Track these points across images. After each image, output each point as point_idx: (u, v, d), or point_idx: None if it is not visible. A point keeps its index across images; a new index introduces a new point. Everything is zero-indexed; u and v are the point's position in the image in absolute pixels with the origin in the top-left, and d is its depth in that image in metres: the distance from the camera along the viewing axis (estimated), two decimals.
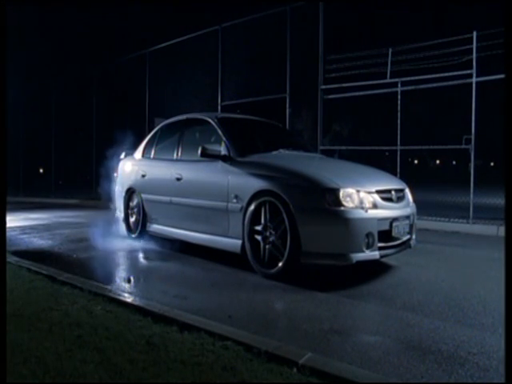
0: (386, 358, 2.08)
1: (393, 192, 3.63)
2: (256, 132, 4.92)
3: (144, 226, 5.09)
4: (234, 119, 4.96)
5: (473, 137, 6.18)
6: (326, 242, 3.24)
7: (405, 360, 2.07)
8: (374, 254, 3.29)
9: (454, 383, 1.88)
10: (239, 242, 3.74)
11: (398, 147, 6.96)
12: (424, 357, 2.10)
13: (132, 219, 5.36)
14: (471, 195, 6.24)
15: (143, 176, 5.15)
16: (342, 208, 3.20)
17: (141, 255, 4.47)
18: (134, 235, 5.22)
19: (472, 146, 6.19)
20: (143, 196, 5.12)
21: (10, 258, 3.88)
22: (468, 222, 6.25)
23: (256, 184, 3.61)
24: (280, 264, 3.39)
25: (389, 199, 3.55)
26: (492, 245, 5.13)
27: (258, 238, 3.58)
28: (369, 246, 3.25)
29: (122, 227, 5.49)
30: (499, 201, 5.52)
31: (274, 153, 4.21)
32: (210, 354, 2.03)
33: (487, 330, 2.45)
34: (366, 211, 3.27)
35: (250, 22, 8.58)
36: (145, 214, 5.09)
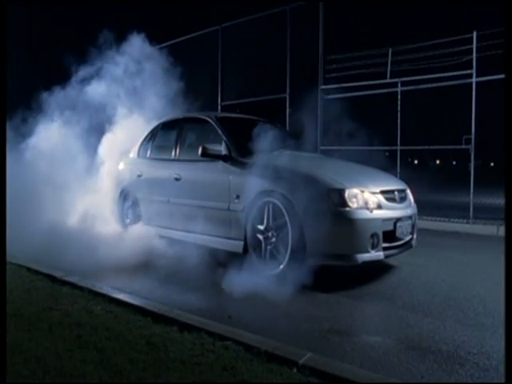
0: (386, 358, 2.08)
1: (396, 192, 3.64)
2: (256, 132, 4.90)
3: None
4: (233, 119, 4.95)
5: (473, 137, 6.18)
6: (332, 242, 3.23)
7: (405, 360, 2.07)
8: (378, 255, 3.30)
9: (454, 383, 1.88)
10: (241, 242, 3.73)
11: (398, 147, 6.96)
12: (424, 357, 2.10)
13: (127, 220, 5.25)
14: (471, 195, 6.23)
15: (139, 176, 5.05)
16: (348, 208, 3.20)
17: (138, 256, 4.43)
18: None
19: (472, 146, 6.19)
20: (139, 196, 5.03)
21: (10, 258, 3.88)
22: (468, 222, 6.25)
23: (259, 184, 3.59)
24: (282, 264, 3.39)
25: (392, 199, 3.55)
26: (492, 245, 5.12)
27: (260, 238, 3.58)
28: (374, 247, 3.25)
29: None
30: (499, 201, 5.53)
31: (276, 153, 4.20)
32: (210, 353, 2.03)
33: (487, 330, 2.45)
34: (371, 211, 3.27)
35: (250, 22, 8.58)
36: (140, 215, 4.99)
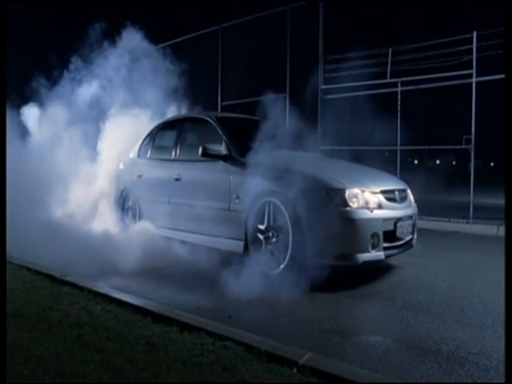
0: (386, 358, 2.08)
1: (396, 192, 3.64)
2: (256, 131, 4.90)
3: None
4: (233, 118, 4.95)
5: (473, 137, 6.19)
6: (332, 242, 3.22)
7: (405, 360, 2.07)
8: (379, 255, 3.30)
9: (454, 383, 1.88)
10: (241, 242, 3.73)
11: (398, 147, 6.97)
12: (424, 357, 2.10)
13: (127, 221, 5.25)
14: (471, 195, 6.24)
15: (139, 176, 5.05)
16: (348, 208, 3.20)
17: (138, 256, 4.43)
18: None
19: (472, 146, 6.19)
20: (139, 197, 5.02)
21: (10, 258, 3.87)
22: (468, 222, 6.25)
23: (259, 184, 3.59)
24: (282, 264, 3.39)
25: (393, 199, 3.56)
26: (492, 245, 5.12)
27: (261, 238, 3.58)
28: (374, 247, 3.26)
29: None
30: (499, 201, 5.53)
31: (276, 153, 4.19)
32: (210, 353, 2.03)
33: (487, 330, 2.45)
34: (372, 211, 3.28)
35: (250, 22, 8.58)
36: (141, 216, 5.00)
